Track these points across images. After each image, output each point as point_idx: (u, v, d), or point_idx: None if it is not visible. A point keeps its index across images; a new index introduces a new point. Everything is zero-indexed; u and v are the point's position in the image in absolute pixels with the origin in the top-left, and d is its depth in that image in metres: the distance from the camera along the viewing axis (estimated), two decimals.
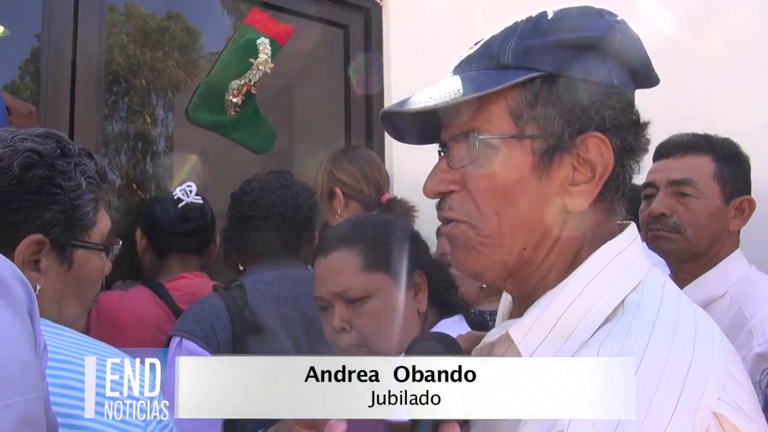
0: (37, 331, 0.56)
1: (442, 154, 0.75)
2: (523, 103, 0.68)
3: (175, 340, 1.44)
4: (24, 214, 0.89)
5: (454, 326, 1.19)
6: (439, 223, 0.76)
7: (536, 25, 0.70)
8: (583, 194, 0.69)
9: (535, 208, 0.69)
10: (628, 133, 0.71)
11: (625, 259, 0.70)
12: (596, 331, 0.65)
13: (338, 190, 1.85)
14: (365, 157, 1.98)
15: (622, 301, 0.67)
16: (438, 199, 0.74)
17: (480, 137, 0.69)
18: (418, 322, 1.18)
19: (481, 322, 1.83)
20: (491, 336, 0.74)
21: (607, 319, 0.66)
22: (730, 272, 1.46)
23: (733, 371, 0.62)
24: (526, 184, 0.69)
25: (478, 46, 0.73)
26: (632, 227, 0.73)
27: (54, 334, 0.83)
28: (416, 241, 1.24)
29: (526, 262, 0.71)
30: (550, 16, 0.71)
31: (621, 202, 0.73)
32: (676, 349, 0.60)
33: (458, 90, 0.68)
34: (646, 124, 0.73)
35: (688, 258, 1.47)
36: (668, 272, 1.50)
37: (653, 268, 0.72)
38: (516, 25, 0.71)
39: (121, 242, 1.09)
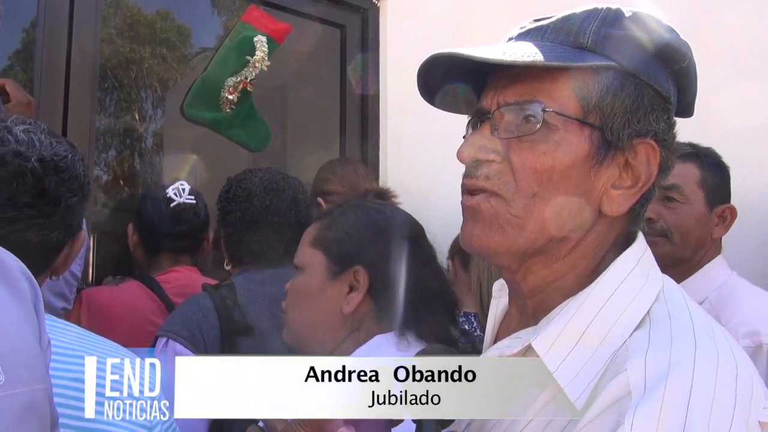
0: (41, 326, 0.57)
1: (479, 123, 0.71)
2: (593, 89, 0.66)
3: (161, 341, 1.41)
4: (77, 213, 0.96)
5: (385, 345, 1.04)
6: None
7: (617, 15, 0.69)
8: (621, 200, 0.68)
9: (575, 200, 0.66)
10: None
11: (644, 266, 0.69)
12: (626, 339, 0.63)
13: (320, 200, 1.92)
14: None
15: (648, 310, 0.65)
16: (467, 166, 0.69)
17: (548, 110, 0.65)
18: (339, 321, 1.07)
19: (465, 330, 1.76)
20: (509, 349, 0.69)
21: (636, 328, 0.64)
22: (712, 278, 1.48)
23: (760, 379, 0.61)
24: (575, 173, 0.66)
25: (552, 19, 0.70)
26: (641, 235, 0.72)
27: (60, 329, 0.84)
28: (379, 238, 1.09)
29: (547, 253, 0.68)
30: (627, 13, 0.69)
31: (643, 216, 0.72)
32: (723, 356, 0.59)
33: (537, 54, 0.64)
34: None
35: (671, 263, 1.47)
36: None
37: (666, 276, 0.71)
38: (597, 10, 0.69)
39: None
